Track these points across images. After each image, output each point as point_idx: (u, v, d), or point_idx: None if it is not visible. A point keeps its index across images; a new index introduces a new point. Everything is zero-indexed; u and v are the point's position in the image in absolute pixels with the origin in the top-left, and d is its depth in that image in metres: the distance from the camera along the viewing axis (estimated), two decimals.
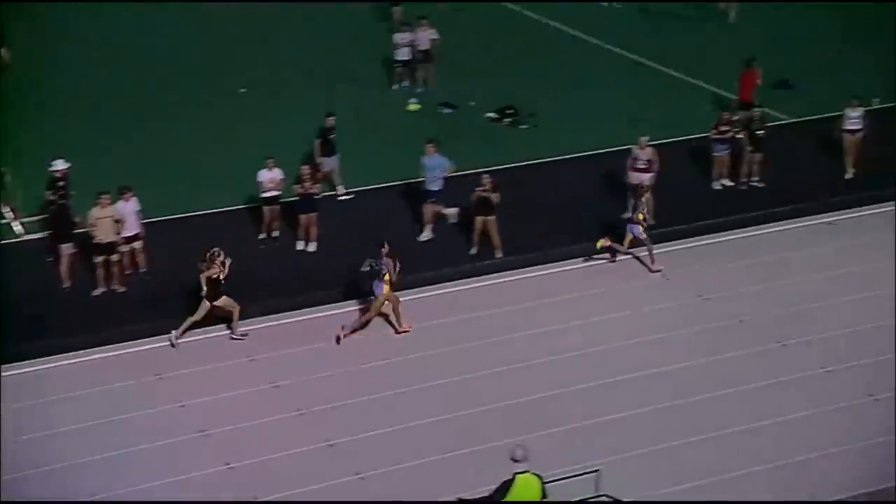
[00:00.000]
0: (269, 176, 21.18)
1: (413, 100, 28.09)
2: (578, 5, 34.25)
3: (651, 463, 15.44)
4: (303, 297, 19.50)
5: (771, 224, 21.85)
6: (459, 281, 20.24)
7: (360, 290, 19.13)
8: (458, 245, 21.10)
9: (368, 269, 18.48)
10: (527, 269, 20.55)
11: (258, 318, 18.95)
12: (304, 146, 23.34)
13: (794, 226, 21.56)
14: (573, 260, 20.68)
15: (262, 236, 21.47)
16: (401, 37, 28.57)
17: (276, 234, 21.50)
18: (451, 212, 21.35)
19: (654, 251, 20.36)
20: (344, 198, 22.83)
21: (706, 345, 18.22)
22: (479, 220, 20.81)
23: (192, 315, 18.25)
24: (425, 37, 28.69)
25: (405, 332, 18.61)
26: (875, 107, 25.21)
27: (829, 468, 15.29)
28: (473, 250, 20.98)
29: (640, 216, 20.30)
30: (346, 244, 20.70)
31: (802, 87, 27.76)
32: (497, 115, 27.05)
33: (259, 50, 31.22)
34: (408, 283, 19.26)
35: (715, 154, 23.05)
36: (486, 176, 20.77)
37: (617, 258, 20.74)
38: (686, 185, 23.02)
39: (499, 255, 20.79)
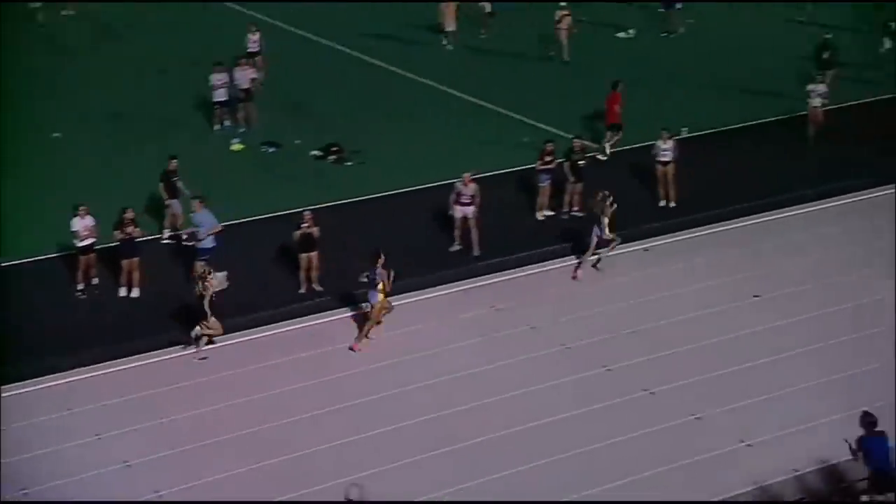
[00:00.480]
0: (83, 224, 20.58)
1: (236, 140, 27.81)
2: (402, 45, 34.74)
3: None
4: (127, 345, 19.07)
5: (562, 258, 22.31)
6: (282, 322, 20.09)
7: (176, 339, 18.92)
8: (287, 283, 20.93)
9: (365, 279, 19.26)
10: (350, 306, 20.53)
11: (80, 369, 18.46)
12: (120, 190, 22.93)
13: (612, 253, 22.20)
14: (401, 295, 20.73)
15: (80, 286, 20.80)
16: (217, 77, 28.27)
17: (95, 281, 20.90)
18: (219, 277, 19.26)
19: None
20: (189, 242, 22.23)
21: (537, 372, 18.55)
22: (303, 257, 20.71)
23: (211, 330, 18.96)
24: (245, 76, 28.46)
25: (358, 349, 19.23)
26: (684, 136, 26.19)
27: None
28: (302, 289, 20.82)
29: (607, 220, 21.19)
30: (173, 288, 20.35)
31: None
32: (322, 153, 26.99)
33: (67, 94, 30.71)
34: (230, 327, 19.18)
35: (540, 185, 23.51)
36: (307, 213, 20.75)
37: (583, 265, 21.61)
38: (511, 215, 23.41)
39: (318, 287, 20.69)
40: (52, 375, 18.46)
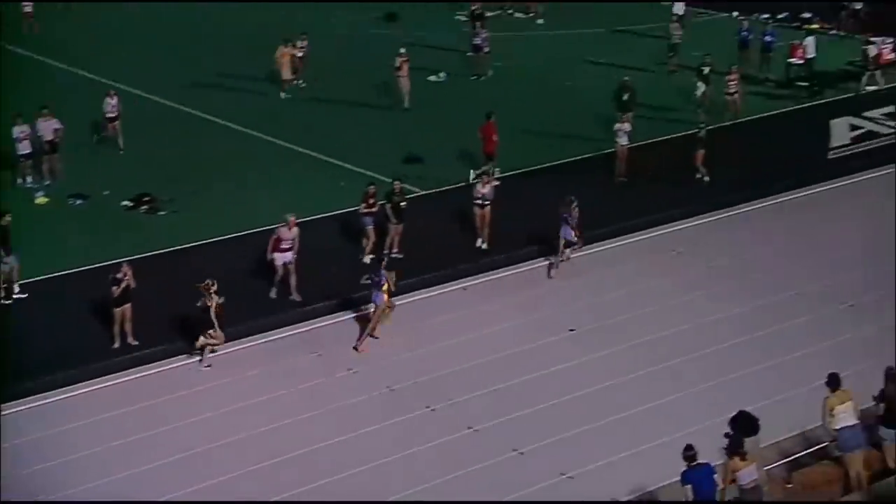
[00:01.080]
0: None
1: (40, 193, 26.91)
2: (226, 94, 34.42)
3: None
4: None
5: (412, 293, 22.51)
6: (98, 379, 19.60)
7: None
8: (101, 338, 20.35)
9: (368, 281, 20.59)
10: (174, 357, 20.11)
11: None
12: None
13: (429, 295, 22.31)
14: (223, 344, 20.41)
15: None
16: (20, 130, 27.29)
17: None
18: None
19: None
20: (19, 296, 21.61)
21: (358, 417, 18.49)
22: (117, 311, 20.19)
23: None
24: (48, 127, 27.60)
25: (363, 350, 20.45)
26: (499, 176, 26.74)
27: None
28: (116, 343, 20.24)
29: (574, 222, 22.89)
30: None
31: (431, 161, 29.03)
32: (133, 203, 26.36)
33: None
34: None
35: (365, 228, 23.55)
36: (124, 265, 20.26)
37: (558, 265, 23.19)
38: (338, 259, 23.35)
39: (134, 342, 20.24)
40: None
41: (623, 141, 27.76)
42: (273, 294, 21.90)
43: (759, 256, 24.11)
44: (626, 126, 27.91)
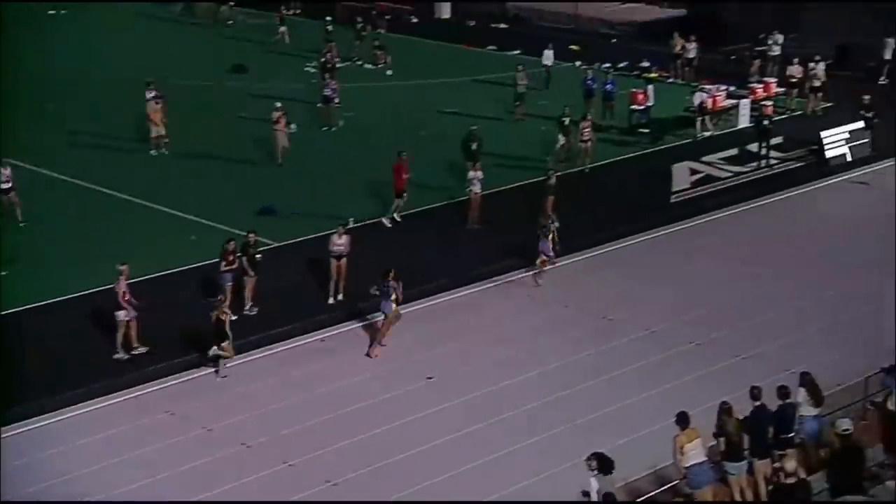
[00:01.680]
0: None
1: None
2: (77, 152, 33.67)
3: None
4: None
5: (270, 346, 22.39)
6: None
7: None
8: None
9: (377, 292, 22.02)
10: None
11: None
12: None
13: (285, 347, 22.21)
14: (71, 407, 19.84)
15: None
16: None
17: None
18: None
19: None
20: None
21: (212, 478, 18.20)
22: None
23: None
24: None
25: (376, 355, 21.96)
26: (352, 226, 26.81)
27: None
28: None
29: (551, 235, 24.92)
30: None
31: (285, 213, 28.91)
32: None
33: None
34: None
35: (226, 284, 23.26)
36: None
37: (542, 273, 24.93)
38: (191, 313, 22.96)
39: None
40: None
41: (476, 189, 28.17)
42: (118, 356, 21.44)
43: (610, 298, 24.69)
44: (479, 174, 28.34)
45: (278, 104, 33.39)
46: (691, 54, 41.62)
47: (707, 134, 35.29)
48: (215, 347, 21.07)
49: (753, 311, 23.79)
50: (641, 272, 26.24)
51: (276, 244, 26.85)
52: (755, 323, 23.31)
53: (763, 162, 32.61)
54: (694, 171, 31.60)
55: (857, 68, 41.65)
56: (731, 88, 37.73)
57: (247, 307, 23.53)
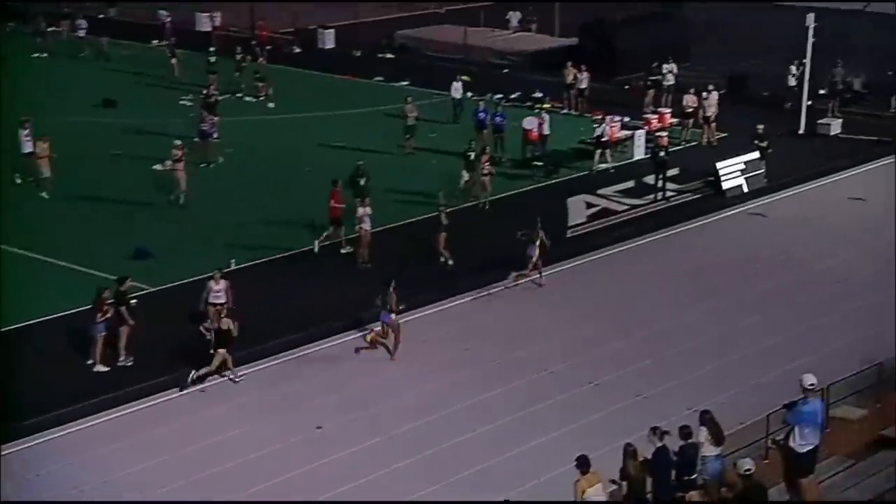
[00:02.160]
0: None
1: None
2: None
3: None
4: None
5: (144, 399, 22.04)
6: None
7: None
8: None
9: (379, 304, 23.75)
10: None
11: None
12: None
13: (162, 399, 22.00)
14: None
15: None
16: None
17: None
18: None
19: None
20: None
21: None
22: None
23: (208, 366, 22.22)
24: None
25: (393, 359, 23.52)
26: (233, 268, 26.53)
27: None
28: None
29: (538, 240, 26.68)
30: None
31: (161, 256, 28.47)
32: None
33: None
34: None
35: (98, 335, 22.81)
36: None
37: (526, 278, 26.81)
38: (65, 368, 22.54)
39: None
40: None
41: (366, 226, 28.14)
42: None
43: (508, 338, 24.80)
44: (368, 210, 28.32)
45: (178, 141, 32.99)
46: (583, 84, 42.30)
47: (605, 166, 35.80)
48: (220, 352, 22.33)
49: (654, 348, 24.14)
50: (539, 310, 26.43)
51: (153, 289, 26.40)
52: (656, 360, 23.64)
53: (660, 194, 33.22)
54: (590, 205, 32.06)
55: (750, 97, 42.79)
56: (626, 119, 38.43)
57: (121, 358, 23.06)
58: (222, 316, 22.62)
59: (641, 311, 26.17)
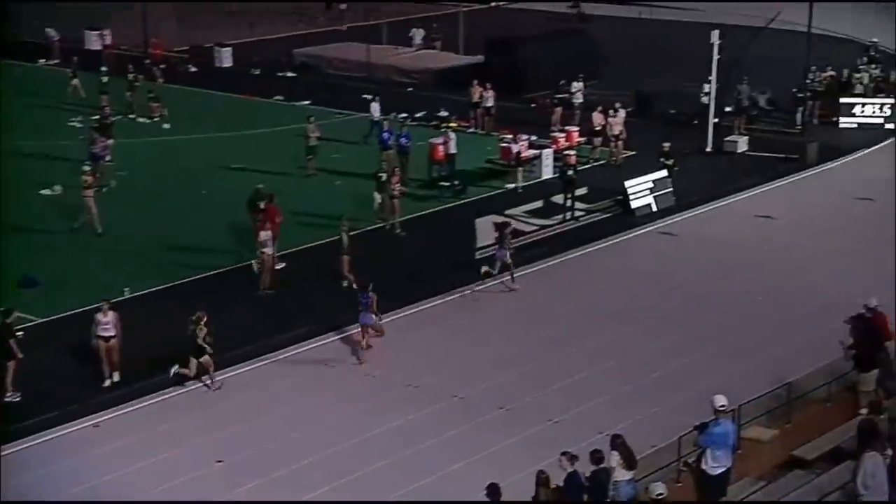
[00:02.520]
0: None
1: None
2: None
3: None
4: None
5: (32, 436, 21.64)
6: None
7: None
8: None
9: (361, 307, 24.82)
10: None
11: None
12: None
13: (54, 435, 21.64)
14: None
15: None
16: None
17: None
18: None
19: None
20: None
21: None
22: None
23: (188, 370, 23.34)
24: None
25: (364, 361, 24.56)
26: (126, 296, 26.22)
27: None
28: None
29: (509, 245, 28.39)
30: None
31: (50, 285, 28.01)
32: None
33: None
34: None
35: None
36: None
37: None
38: None
39: None
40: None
41: (268, 250, 28.03)
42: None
43: (416, 363, 24.85)
44: (270, 234, 28.21)
45: (87, 167, 32.50)
46: (489, 103, 42.68)
47: (513, 185, 36.13)
48: (196, 361, 23.29)
49: (564, 371, 24.33)
50: (447, 335, 26.53)
51: (41, 320, 25.96)
52: (566, 384, 23.84)
53: (569, 214, 33.61)
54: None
55: (658, 115, 43.56)
56: (533, 138, 38.84)
57: (8, 393, 22.61)
58: (202, 324, 23.24)
59: (551, 334, 26.40)
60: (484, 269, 28.61)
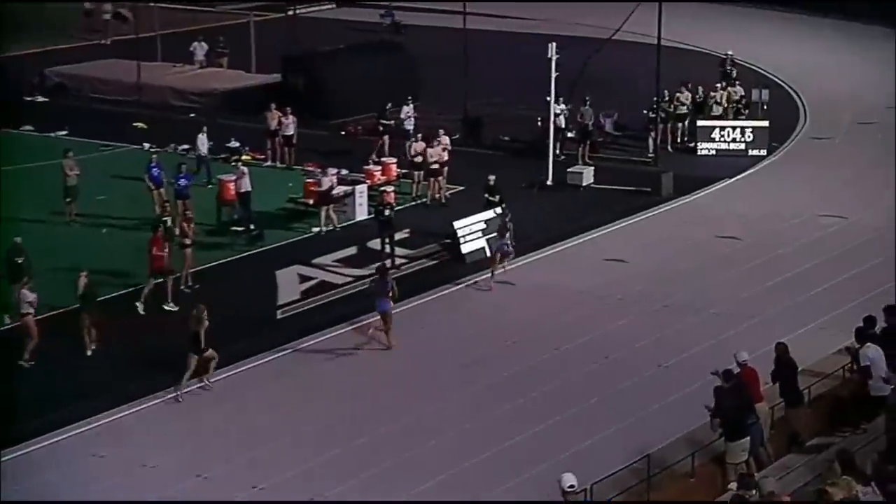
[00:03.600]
0: None
1: None
2: None
3: None
4: None
5: None
6: None
7: None
8: None
9: (375, 288, 29.09)
10: None
11: None
12: None
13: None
14: None
15: None
16: None
17: None
18: None
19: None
20: None
21: None
22: None
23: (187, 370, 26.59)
24: None
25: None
26: None
27: None
28: None
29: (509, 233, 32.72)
30: None
31: None
32: None
33: None
34: None
35: None
36: None
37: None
38: None
39: None
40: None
41: (29, 313, 27.88)
42: None
43: (202, 450, 24.98)
44: (30, 295, 28.03)
45: None
46: (290, 130, 42.87)
47: (329, 227, 36.36)
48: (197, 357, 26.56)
49: (389, 451, 24.70)
50: (254, 408, 26.73)
51: None
52: (392, 465, 24.23)
53: (388, 262, 34.03)
54: (304, 278, 32.60)
55: (489, 143, 44.54)
56: (344, 172, 39.20)
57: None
58: (203, 316, 26.60)
59: (374, 408, 26.71)
60: (498, 259, 33.12)
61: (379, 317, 29.07)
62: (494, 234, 33.82)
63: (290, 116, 42.93)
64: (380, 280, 29.13)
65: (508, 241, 33.13)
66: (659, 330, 30.24)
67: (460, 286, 33.51)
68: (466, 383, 27.66)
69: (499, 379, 27.94)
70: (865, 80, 55.20)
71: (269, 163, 42.86)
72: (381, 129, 43.56)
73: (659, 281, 33.52)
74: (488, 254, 34.86)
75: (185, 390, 26.73)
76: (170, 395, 26.63)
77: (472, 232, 35.21)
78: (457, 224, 35.19)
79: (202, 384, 27.11)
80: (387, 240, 34.39)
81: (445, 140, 40.15)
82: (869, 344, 23.35)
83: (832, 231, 37.20)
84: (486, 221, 35.46)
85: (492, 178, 36.81)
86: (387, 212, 34.59)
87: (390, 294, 28.75)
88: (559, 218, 38.13)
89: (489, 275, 33.17)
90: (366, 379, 28.14)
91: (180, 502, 22.94)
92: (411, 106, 44.10)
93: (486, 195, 36.44)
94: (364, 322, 29.94)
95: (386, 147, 42.80)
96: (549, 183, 41.11)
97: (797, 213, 38.62)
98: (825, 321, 30.10)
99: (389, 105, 43.95)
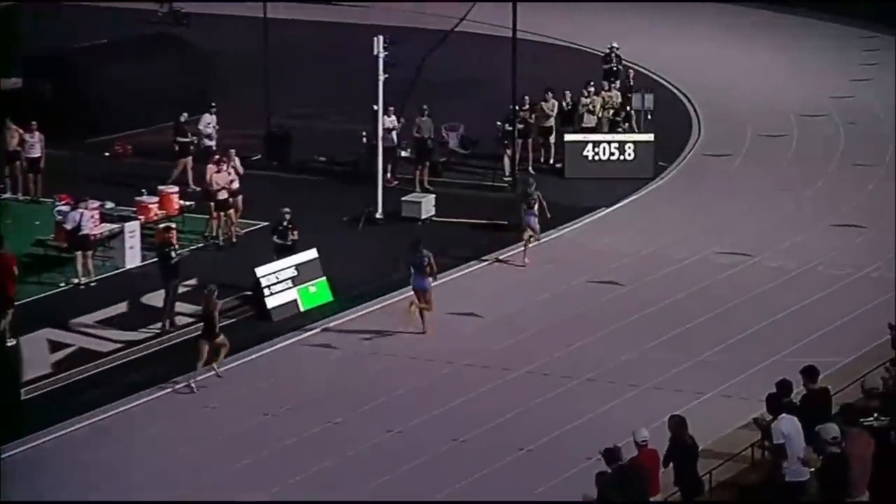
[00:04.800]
0: None
1: None
2: None
3: None
4: None
5: None
6: None
7: None
8: None
9: (410, 267, 33.22)
10: None
11: None
12: None
13: None
14: None
15: None
16: None
17: None
18: None
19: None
20: None
21: None
22: None
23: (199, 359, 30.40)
24: None
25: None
26: None
27: None
28: None
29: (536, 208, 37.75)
30: None
31: None
32: None
33: None
34: None
35: None
36: None
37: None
38: None
39: None
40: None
41: None
42: None
43: None
44: None
45: None
46: (36, 152, 42.18)
47: (86, 280, 35.82)
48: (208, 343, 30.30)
49: None
50: None
51: None
52: None
53: (167, 323, 33.56)
54: (58, 345, 32.07)
55: (300, 165, 44.63)
56: (109, 205, 38.63)
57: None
58: (214, 297, 30.47)
59: None
60: (527, 234, 37.64)
61: (415, 294, 32.97)
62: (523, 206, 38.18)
63: (36, 134, 42.30)
64: (412, 255, 32.99)
65: (537, 215, 37.75)
66: (521, 402, 30.11)
67: (266, 351, 33.08)
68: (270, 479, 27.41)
69: (335, 467, 27.70)
70: (776, 80, 56.15)
71: (8, 194, 42.12)
72: (177, 147, 43.17)
73: (520, 339, 33.47)
74: (301, 308, 34.59)
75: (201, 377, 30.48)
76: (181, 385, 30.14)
77: (279, 281, 34.95)
78: (260, 271, 34.85)
79: (213, 373, 30.77)
80: (169, 292, 33.85)
81: (236, 161, 39.82)
82: (783, 415, 23.41)
83: (732, 273, 37.65)
84: (297, 267, 35.26)
85: (286, 211, 36.07)
86: (173, 255, 34.05)
87: (427, 269, 32.45)
88: (392, 261, 37.68)
89: (522, 249, 37.90)
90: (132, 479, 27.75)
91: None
92: (214, 116, 43.77)
93: (275, 237, 35.90)
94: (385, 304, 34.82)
95: (189, 172, 42.48)
96: (378, 216, 41.08)
97: (690, 252, 38.94)
98: (728, 387, 30.38)
99: (185, 115, 43.60)
